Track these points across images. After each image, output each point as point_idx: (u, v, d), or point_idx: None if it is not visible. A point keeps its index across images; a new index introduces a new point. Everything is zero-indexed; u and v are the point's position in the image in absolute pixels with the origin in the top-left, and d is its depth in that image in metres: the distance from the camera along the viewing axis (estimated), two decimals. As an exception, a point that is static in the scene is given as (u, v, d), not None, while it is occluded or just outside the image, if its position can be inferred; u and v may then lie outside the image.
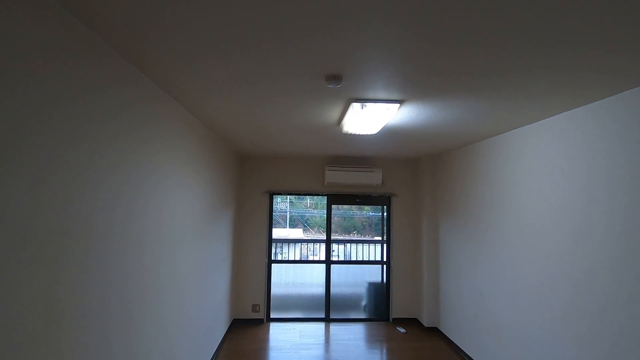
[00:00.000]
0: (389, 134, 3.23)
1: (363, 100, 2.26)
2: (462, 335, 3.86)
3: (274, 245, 5.77)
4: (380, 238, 5.20)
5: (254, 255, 4.83)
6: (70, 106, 1.34)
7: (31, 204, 1.17)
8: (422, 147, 3.95)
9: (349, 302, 5.10)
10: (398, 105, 2.30)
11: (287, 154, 4.63)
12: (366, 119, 2.53)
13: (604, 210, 2.11)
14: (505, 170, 3.11)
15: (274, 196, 5.02)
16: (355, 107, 2.31)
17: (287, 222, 10.73)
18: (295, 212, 11.02)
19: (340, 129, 2.95)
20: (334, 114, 2.61)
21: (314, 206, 11.18)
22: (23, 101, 1.13)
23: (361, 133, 2.95)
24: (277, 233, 10.41)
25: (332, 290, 4.98)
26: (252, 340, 4.20)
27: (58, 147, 1.29)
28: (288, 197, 11.51)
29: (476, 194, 3.61)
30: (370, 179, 4.75)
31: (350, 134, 3.10)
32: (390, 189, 5.00)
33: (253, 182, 4.89)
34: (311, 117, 2.70)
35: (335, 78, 1.88)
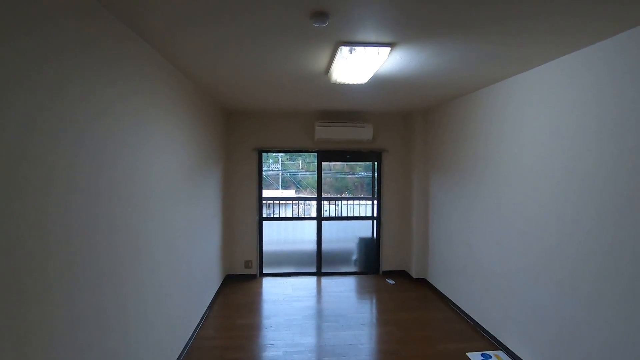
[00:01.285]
0: (380, 84, 3.10)
1: (352, 43, 2.12)
2: (449, 284, 3.99)
3: (266, 206, 5.76)
4: (371, 196, 5.21)
5: (245, 213, 4.82)
6: (57, 60, 1.23)
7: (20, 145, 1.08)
8: (414, 99, 3.83)
9: (340, 257, 5.20)
10: (389, 49, 2.17)
11: (275, 109, 4.48)
12: (355, 66, 2.39)
13: (592, 158, 2.08)
14: (497, 121, 3.04)
15: (264, 154, 4.92)
16: (343, 51, 2.17)
17: (280, 183, 10.75)
18: (287, 174, 11.00)
19: (329, 78, 2.81)
20: (321, 60, 2.46)
21: (306, 167, 11.17)
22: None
23: (351, 82, 2.82)
24: (270, 194, 10.52)
25: (324, 246, 5.05)
26: (245, 293, 4.29)
27: (44, 98, 1.18)
28: (280, 158, 11.45)
29: (468, 147, 3.56)
30: (361, 134, 4.66)
31: (340, 84, 2.96)
32: (381, 144, 4.93)
33: (241, 139, 4.77)
34: (297, 64, 2.55)
35: (321, 15, 1.74)
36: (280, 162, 10.96)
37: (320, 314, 3.70)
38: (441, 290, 4.18)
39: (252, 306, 3.91)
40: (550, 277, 2.44)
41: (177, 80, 2.73)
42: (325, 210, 5.93)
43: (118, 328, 1.84)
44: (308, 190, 10.79)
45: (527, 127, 2.68)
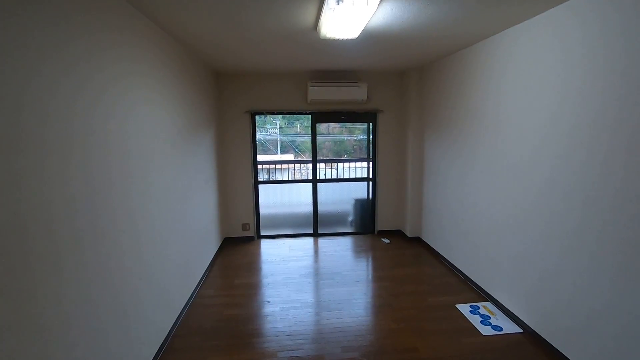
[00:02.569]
0: (372, 39, 2.97)
1: (339, -8, 2.01)
2: (442, 241, 4.08)
3: (265, 171, 5.76)
4: (367, 158, 5.19)
5: (240, 176, 4.82)
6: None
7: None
8: (409, 55, 3.70)
9: (336, 218, 5.28)
10: (378, -2, 2.05)
11: (266, 70, 4.34)
12: (344, 18, 2.28)
13: (595, 111, 2.04)
14: (494, 75, 2.96)
15: (258, 117, 4.84)
16: (330, 2, 2.06)
17: (278, 148, 10.77)
18: (285, 138, 11.03)
19: (318, 34, 2.69)
20: (308, 14, 2.34)
21: (304, 131, 11.10)
22: None
23: (340, 37, 2.70)
24: (269, 159, 10.47)
25: (320, 208, 5.11)
26: (243, 254, 4.40)
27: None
28: (278, 123, 11.33)
29: (463, 105, 3.49)
30: (355, 94, 4.55)
31: (329, 40, 2.84)
32: (376, 104, 4.84)
33: (232, 101, 4.67)
34: (281, 18, 2.43)
35: (303, -40, 1.62)
36: (278, 126, 10.91)
37: (316, 273, 3.82)
38: (434, 248, 4.28)
39: (250, 266, 4.02)
40: (533, 228, 2.49)
41: (158, 36, 2.61)
42: (324, 174, 5.94)
43: (120, 283, 1.89)
44: (307, 154, 10.81)
45: (521, 80, 2.61)
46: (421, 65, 4.32)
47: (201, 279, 3.58)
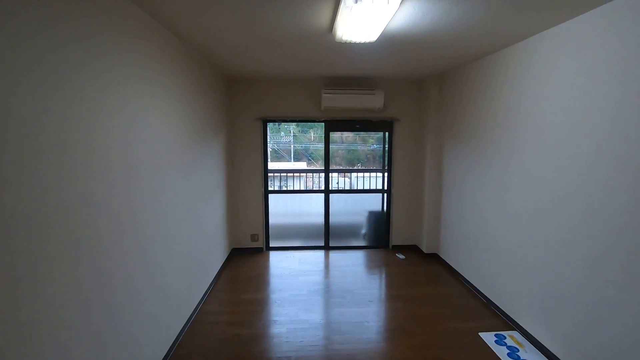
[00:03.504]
0: (391, 43, 2.78)
1: (357, -10, 1.83)
2: (462, 259, 3.81)
3: (276, 178, 5.61)
4: (382, 168, 4.97)
5: (250, 185, 4.67)
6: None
7: None
8: (429, 61, 3.50)
9: (348, 231, 5.06)
10: (400, -4, 1.87)
11: (279, 76, 4.20)
12: (362, 19, 2.10)
13: (634, 125, 1.80)
14: (520, 84, 2.73)
15: (270, 124, 4.69)
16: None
17: (292, 155, 10.72)
18: (299, 146, 10.95)
19: (333, 36, 2.52)
20: (323, 14, 2.18)
21: (318, 139, 11.10)
22: None
23: (358, 40, 2.53)
24: (282, 167, 10.40)
25: (332, 219, 4.90)
26: (251, 267, 4.22)
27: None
28: (292, 130, 11.31)
29: (487, 115, 3.26)
30: (371, 102, 4.36)
31: (345, 43, 2.66)
32: (392, 113, 4.63)
33: (244, 108, 4.54)
34: (296, 18, 2.26)
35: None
36: (292, 134, 10.88)
37: (327, 289, 3.60)
38: (453, 266, 4.01)
39: (257, 280, 3.83)
40: (575, 254, 2.22)
41: (166, 39, 2.49)
42: (337, 183, 5.75)
43: (102, 305, 1.72)
44: (320, 162, 10.78)
45: (554, 90, 2.37)
46: (441, 73, 4.11)
47: (206, 291, 3.40)
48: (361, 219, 5.07)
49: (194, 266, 3.10)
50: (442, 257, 4.31)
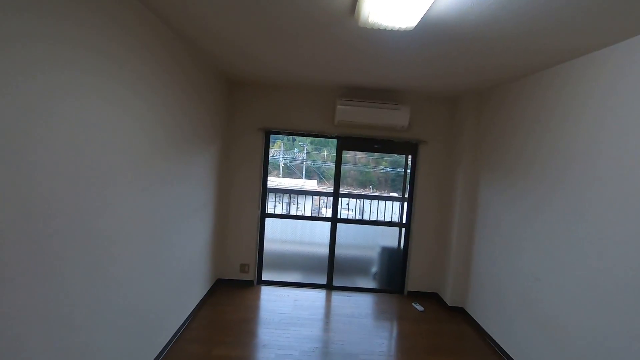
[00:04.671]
0: (433, 35, 2.09)
1: None
2: (498, 323, 2.98)
3: (282, 195, 4.91)
4: (398, 195, 4.22)
5: (244, 205, 3.96)
6: None
7: None
8: (474, 70, 2.79)
9: (356, 268, 4.27)
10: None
11: (287, 80, 3.55)
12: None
13: None
14: (597, 104, 1.99)
15: (273, 135, 4.02)
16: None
17: (303, 172, 10.35)
18: (311, 163, 10.60)
19: (357, 19, 1.84)
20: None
21: (330, 159, 10.93)
22: None
23: (389, 25, 1.84)
24: (292, 183, 9.88)
25: (338, 252, 4.13)
26: (235, 306, 3.45)
27: None
28: (305, 147, 10.90)
29: (543, 141, 2.52)
30: (394, 118, 3.65)
31: (372, 29, 1.99)
32: (418, 134, 3.91)
33: (245, 116, 3.89)
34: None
35: None
36: (305, 151, 10.55)
37: (324, 351, 2.80)
38: (485, 328, 3.18)
39: (239, 327, 3.06)
40: None
41: (148, 24, 1.84)
42: (346, 204, 5.01)
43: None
44: (331, 181, 10.44)
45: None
46: (481, 90, 3.39)
47: (167, 344, 2.65)
48: (372, 254, 4.29)
49: (150, 318, 2.37)
50: (471, 315, 3.47)
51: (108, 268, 1.81)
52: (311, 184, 9.99)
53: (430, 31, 2.00)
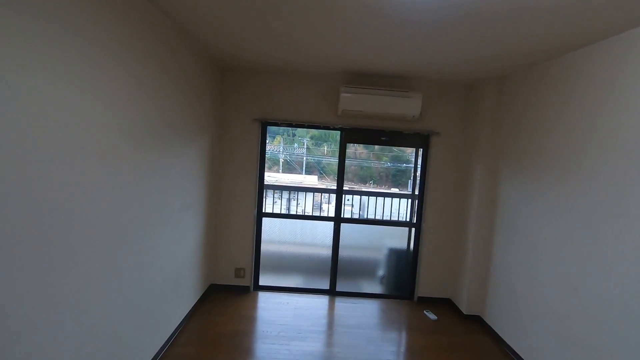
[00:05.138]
0: (454, 8, 1.73)
1: None
2: (521, 335, 2.64)
3: (273, 194, 4.57)
4: (402, 191, 3.87)
5: (239, 204, 3.61)
6: None
7: None
8: (494, 52, 2.42)
9: (361, 270, 3.93)
10: None
11: (285, 66, 3.18)
12: None
13: None
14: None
15: (270, 127, 3.65)
16: None
17: (304, 168, 10.12)
18: (312, 158, 10.33)
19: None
20: None
21: (330, 153, 10.82)
22: None
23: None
24: (293, 179, 9.63)
25: (341, 254, 3.78)
26: (230, 317, 3.11)
27: None
28: (305, 142, 10.59)
29: (575, 130, 2.16)
30: (404, 107, 3.29)
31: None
32: (430, 124, 3.55)
33: (239, 105, 3.52)
34: None
35: None
36: (305, 146, 10.30)
37: (328, 370, 2.47)
38: (506, 340, 2.85)
39: (233, 343, 2.72)
40: None
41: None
42: (348, 200, 4.67)
43: None
44: (331, 177, 10.54)
45: None
46: (503, 74, 3.02)
47: (157, 354, 2.31)
48: (379, 256, 3.94)
49: (124, 339, 2.02)
50: (490, 325, 3.14)
51: (61, 287, 1.46)
52: (311, 180, 9.79)
53: (452, 6, 1.63)
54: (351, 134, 3.60)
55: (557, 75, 2.43)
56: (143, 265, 2.14)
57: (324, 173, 10.28)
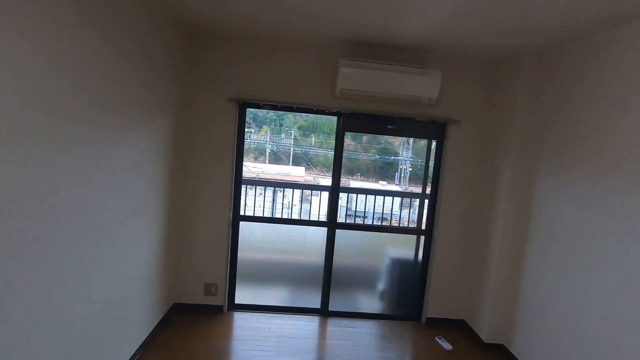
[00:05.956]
0: None
1: None
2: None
3: (255, 189, 3.88)
4: (421, 192, 3.23)
5: (211, 205, 2.90)
6: None
7: None
8: (537, 16, 1.77)
9: (358, 284, 3.30)
10: None
11: (269, 31, 2.45)
12: None
13: None
14: None
15: (250, 109, 2.94)
16: None
17: (290, 159, 9.73)
18: (298, 149, 9.94)
19: None
20: None
21: (318, 144, 10.08)
22: None
23: None
24: (279, 170, 8.98)
25: (335, 262, 3.11)
26: (195, 352, 2.42)
27: None
28: (292, 132, 10.06)
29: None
30: (419, 87, 2.63)
31: None
32: (447, 110, 2.90)
33: (212, 80, 2.79)
34: None
35: None
36: (292, 137, 9.77)
37: None
38: (545, 382, 2.27)
39: (194, 392, 2.04)
40: None
41: None
42: (340, 200, 4.02)
43: None
44: (318, 168, 9.74)
45: None
46: (544, 48, 2.39)
47: None
48: (379, 266, 3.30)
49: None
50: (514, 355, 2.56)
51: None
52: (298, 171, 9.20)
53: None
54: (351, 121, 2.92)
55: (624, 45, 1.80)
56: (60, 297, 1.43)
57: (312, 164, 9.89)
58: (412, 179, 9.66)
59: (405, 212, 4.23)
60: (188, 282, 2.94)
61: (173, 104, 2.53)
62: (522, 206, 2.61)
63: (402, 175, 9.42)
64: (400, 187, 9.09)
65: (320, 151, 10.23)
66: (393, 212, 3.95)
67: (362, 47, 2.74)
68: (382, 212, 3.87)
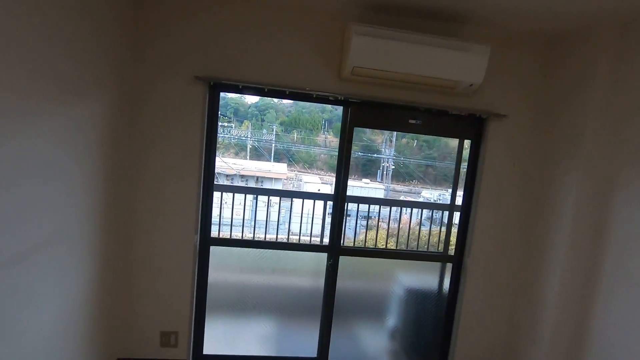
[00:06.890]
0: None
1: None
2: None
3: (252, 197, 3.13)
4: (449, 204, 2.55)
5: (171, 223, 2.10)
6: None
7: None
8: None
9: (363, 316, 2.58)
10: None
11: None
12: None
13: None
14: None
15: (225, 93, 2.16)
16: None
17: (272, 155, 9.16)
18: (280, 145, 9.45)
19: None
20: None
21: (300, 140, 9.59)
22: None
23: None
24: (261, 166, 8.41)
25: (338, 296, 2.38)
26: None
27: None
28: (274, 128, 9.45)
29: None
30: (458, 68, 1.93)
31: None
32: (491, 101, 2.21)
33: (172, 54, 1.98)
34: None
35: None
36: (274, 132, 9.26)
37: None
38: None
39: None
40: None
41: None
42: (348, 214, 3.28)
43: None
44: (301, 164, 9.33)
45: None
46: (626, 18, 1.76)
47: None
48: (389, 296, 2.59)
49: None
50: None
51: None
52: (280, 168, 8.74)
53: None
54: (362, 112, 2.19)
55: None
56: None
57: (294, 161, 9.27)
58: (395, 176, 9.34)
59: (425, 223, 3.51)
60: (138, 330, 2.13)
61: (114, 84, 1.73)
62: (592, 229, 1.96)
63: (385, 173, 9.15)
64: (383, 185, 8.92)
65: (302, 147, 9.66)
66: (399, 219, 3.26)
67: (380, 12, 2.01)
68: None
